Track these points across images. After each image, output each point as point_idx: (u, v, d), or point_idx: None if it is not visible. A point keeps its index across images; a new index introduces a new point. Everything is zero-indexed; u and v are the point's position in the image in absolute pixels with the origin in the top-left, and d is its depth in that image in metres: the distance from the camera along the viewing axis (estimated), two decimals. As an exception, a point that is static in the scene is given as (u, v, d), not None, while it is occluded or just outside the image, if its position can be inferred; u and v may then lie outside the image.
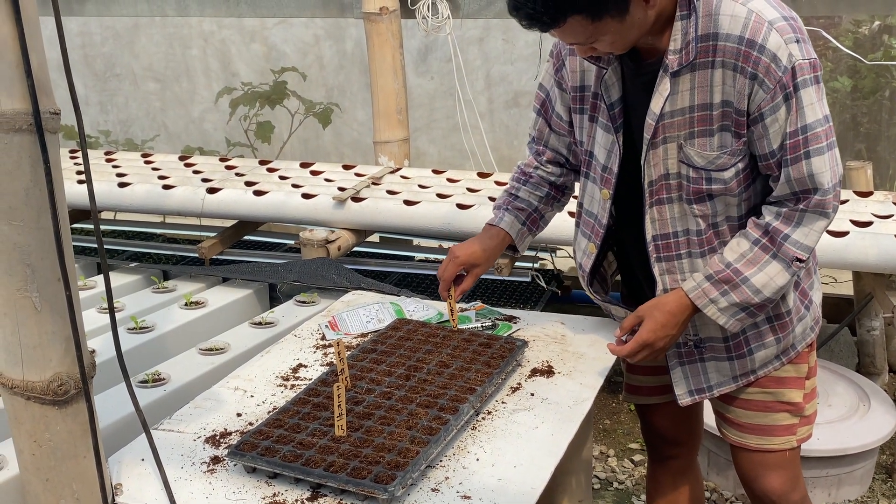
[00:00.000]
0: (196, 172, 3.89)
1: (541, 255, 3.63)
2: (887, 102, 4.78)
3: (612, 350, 1.85)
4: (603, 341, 2.05)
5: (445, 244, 4.05)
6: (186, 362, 2.27)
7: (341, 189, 3.49)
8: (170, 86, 5.86)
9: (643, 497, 2.98)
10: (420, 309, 2.28)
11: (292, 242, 3.92)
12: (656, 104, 1.70)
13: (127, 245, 3.94)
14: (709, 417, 2.16)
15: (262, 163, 4.07)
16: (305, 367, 1.99)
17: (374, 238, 3.84)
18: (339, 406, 1.59)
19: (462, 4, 4.02)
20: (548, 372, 1.93)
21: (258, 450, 1.55)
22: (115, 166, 4.03)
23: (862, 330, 3.45)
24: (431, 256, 3.82)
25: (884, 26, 4.73)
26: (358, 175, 3.78)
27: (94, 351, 2.19)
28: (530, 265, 3.51)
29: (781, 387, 1.89)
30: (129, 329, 2.49)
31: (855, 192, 3.27)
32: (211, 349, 2.33)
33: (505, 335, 2.08)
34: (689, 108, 1.69)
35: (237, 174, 3.82)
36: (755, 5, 1.61)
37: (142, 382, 2.12)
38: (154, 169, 3.98)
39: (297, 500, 1.48)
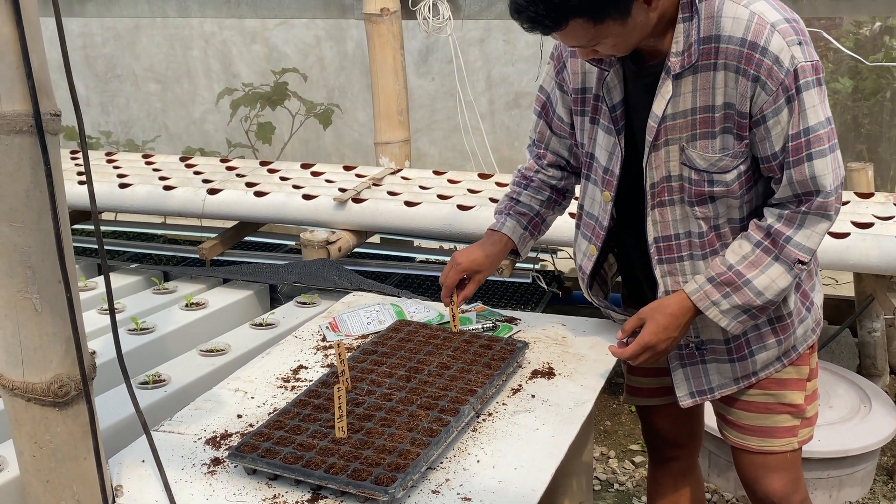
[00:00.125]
0: (197, 173, 3.89)
1: (541, 256, 3.62)
2: (888, 104, 4.78)
3: (614, 352, 1.85)
4: (604, 343, 2.04)
5: (446, 245, 4.05)
6: (187, 363, 2.27)
7: (342, 190, 3.49)
8: (171, 87, 5.87)
9: (644, 499, 2.97)
10: (421, 310, 2.27)
11: (293, 243, 3.92)
12: (658, 106, 1.70)
13: (127, 246, 3.94)
14: (710, 419, 2.16)
15: (262, 164, 4.07)
16: (306, 368, 1.98)
17: (375, 239, 3.84)
18: (339, 408, 1.59)
19: (463, 5, 4.02)
20: (548, 373, 1.92)
21: (258, 451, 1.55)
22: (115, 167, 4.03)
23: (863, 331, 3.45)
24: (432, 258, 3.82)
25: (885, 27, 4.73)
26: (359, 176, 3.78)
27: (94, 352, 2.19)
28: (531, 266, 3.51)
29: (783, 388, 1.89)
30: (129, 330, 2.49)
31: (856, 193, 3.26)
32: (211, 350, 2.33)
33: (506, 337, 2.08)
34: (691, 110, 1.69)
35: (238, 175, 3.82)
36: (757, 7, 1.60)
37: (142, 384, 2.12)
38: (155, 170, 3.98)
39: (297, 502, 1.48)
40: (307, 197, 3.43)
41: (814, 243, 1.70)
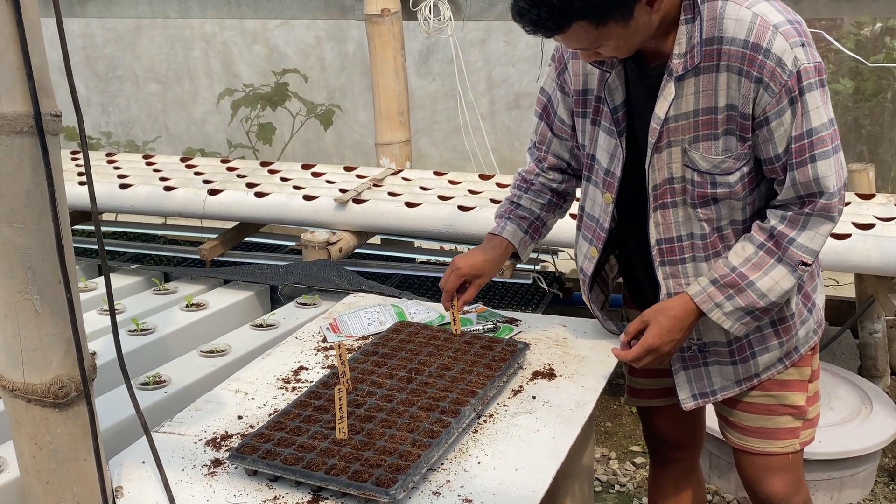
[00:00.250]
0: (197, 174, 3.89)
1: (542, 257, 3.62)
2: (889, 105, 4.78)
3: (617, 355, 1.85)
4: (604, 344, 2.04)
5: (447, 246, 4.05)
6: (187, 364, 2.26)
7: (343, 191, 3.48)
8: (171, 87, 5.87)
9: (644, 500, 2.97)
10: (421, 311, 2.27)
11: (293, 244, 3.91)
12: (661, 108, 1.69)
13: (128, 247, 3.94)
14: (711, 420, 2.15)
15: (263, 164, 4.07)
16: (306, 369, 1.98)
17: (376, 240, 3.84)
18: (340, 409, 1.59)
19: (463, 6, 4.02)
20: (549, 375, 1.92)
21: (259, 452, 1.55)
22: (116, 168, 4.03)
23: (864, 332, 3.44)
24: (433, 258, 3.82)
25: (885, 28, 4.72)
26: (359, 177, 3.78)
27: (94, 353, 2.19)
28: (531, 267, 3.51)
29: (784, 390, 1.89)
30: (129, 331, 2.49)
31: (857, 194, 3.26)
32: (212, 351, 2.33)
33: (506, 338, 2.08)
34: (693, 112, 1.68)
35: (238, 176, 3.82)
36: (760, 9, 1.60)
37: (142, 384, 2.12)
38: (155, 170, 3.98)
39: (297, 503, 1.48)
40: (308, 198, 3.43)
41: (817, 245, 1.70)
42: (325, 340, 2.14)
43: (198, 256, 3.51)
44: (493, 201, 3.28)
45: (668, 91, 1.68)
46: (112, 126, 6.05)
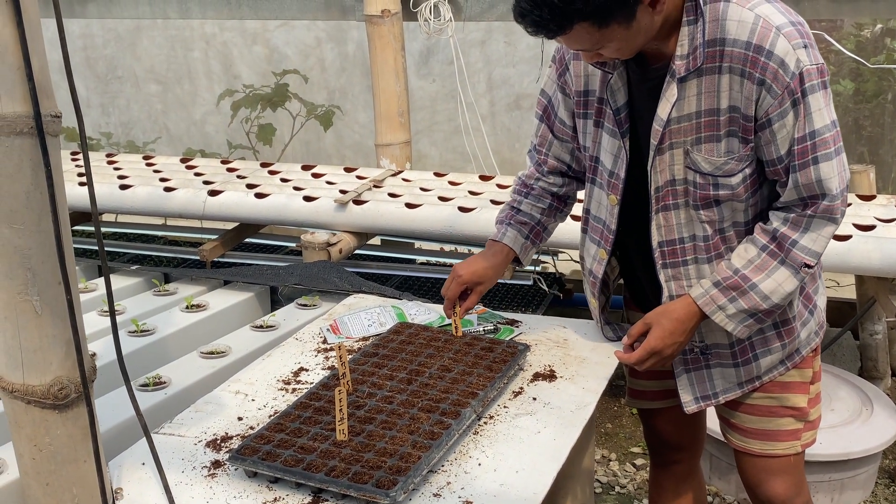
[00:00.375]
0: (197, 175, 3.88)
1: (542, 258, 3.62)
2: (890, 106, 4.78)
3: (620, 358, 1.84)
4: (605, 345, 2.04)
5: (447, 247, 4.04)
6: (187, 366, 2.26)
7: (343, 192, 3.48)
8: (171, 88, 5.87)
9: (645, 501, 2.97)
10: (422, 312, 2.27)
11: (293, 245, 3.91)
12: (663, 110, 1.69)
13: (128, 247, 3.93)
14: (712, 422, 2.15)
15: (263, 165, 4.07)
16: (307, 370, 1.98)
17: (376, 241, 3.84)
18: (340, 410, 1.59)
19: (464, 7, 4.01)
20: (550, 376, 1.92)
21: (259, 454, 1.55)
22: (116, 168, 4.03)
23: (864, 334, 3.44)
24: (433, 260, 3.82)
25: (886, 29, 4.72)
26: (359, 178, 3.77)
27: (94, 354, 2.19)
28: (532, 269, 3.51)
29: (786, 392, 1.89)
30: (129, 332, 2.48)
31: (858, 195, 3.26)
32: (212, 352, 2.32)
33: (507, 339, 2.07)
34: (695, 113, 1.68)
35: (238, 176, 3.82)
36: (762, 10, 1.60)
37: (142, 386, 2.12)
38: (155, 171, 3.98)
39: (298, 505, 1.48)
40: (308, 199, 3.42)
41: (820, 247, 1.69)
42: (325, 342, 2.14)
43: (198, 257, 3.51)
44: (494, 202, 3.28)
45: (670, 92, 1.68)
46: (112, 127, 6.05)
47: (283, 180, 3.74)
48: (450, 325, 2.07)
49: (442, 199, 3.37)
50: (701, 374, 1.89)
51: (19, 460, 1.44)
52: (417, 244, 4.02)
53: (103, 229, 4.14)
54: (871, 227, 2.89)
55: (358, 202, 3.37)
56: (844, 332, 3.47)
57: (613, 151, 1.83)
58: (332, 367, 1.98)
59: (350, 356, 1.97)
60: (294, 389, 1.89)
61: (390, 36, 3.93)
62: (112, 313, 1.47)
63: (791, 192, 1.67)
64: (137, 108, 5.99)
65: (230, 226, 3.68)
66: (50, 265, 1.31)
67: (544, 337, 2.12)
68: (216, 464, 1.60)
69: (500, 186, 3.56)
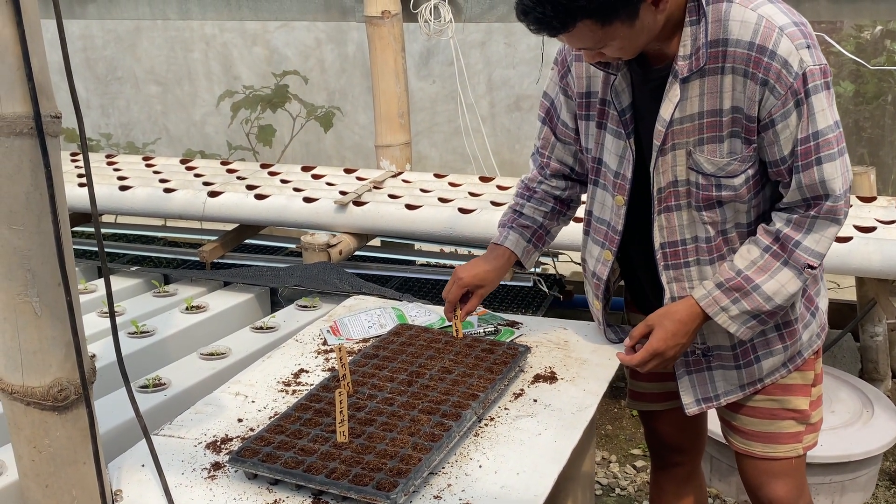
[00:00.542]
0: (197, 176, 3.88)
1: (543, 259, 3.62)
2: (890, 107, 4.78)
3: (622, 359, 1.84)
4: (606, 347, 2.04)
5: (447, 248, 4.04)
6: (187, 367, 2.25)
7: (343, 193, 3.48)
8: (171, 89, 5.86)
9: (645, 503, 2.96)
10: (422, 314, 2.26)
11: (293, 246, 3.91)
12: (666, 110, 1.69)
13: (128, 248, 3.93)
14: (713, 424, 2.14)
15: (263, 166, 4.06)
16: (307, 372, 1.98)
17: (376, 242, 3.83)
18: (340, 412, 1.58)
19: (464, 8, 4.01)
20: (551, 378, 1.91)
21: (259, 456, 1.54)
22: (116, 169, 4.03)
23: (865, 336, 3.44)
24: (433, 261, 3.81)
25: (885, 31, 4.72)
26: (359, 179, 3.77)
27: (94, 355, 2.18)
28: (532, 270, 3.50)
29: (787, 394, 1.88)
30: (129, 333, 2.48)
31: (858, 197, 3.26)
32: (212, 354, 2.32)
33: (507, 341, 2.07)
34: (698, 114, 1.68)
35: (238, 178, 3.81)
36: (765, 11, 1.59)
37: (142, 387, 2.11)
38: (155, 172, 3.98)
39: (298, 507, 1.47)
40: (308, 200, 3.42)
41: (823, 248, 1.69)
42: (325, 343, 2.13)
43: (198, 258, 3.51)
44: (494, 204, 3.28)
45: (672, 93, 1.67)
46: (112, 128, 6.05)
47: (283, 181, 3.74)
48: (450, 326, 2.07)
49: (442, 200, 3.37)
50: (702, 375, 1.88)
51: (18, 462, 1.44)
52: (417, 245, 4.02)
53: (103, 230, 4.13)
54: (871, 229, 2.89)
55: (358, 203, 3.37)
56: (845, 334, 3.47)
57: (618, 152, 1.82)
58: (332, 369, 1.98)
59: (350, 358, 1.97)
60: (294, 391, 1.88)
61: (390, 37, 3.93)
62: (112, 314, 1.47)
63: (794, 192, 1.67)
64: (137, 108, 5.99)
65: (230, 227, 3.68)
66: (49, 266, 1.31)
67: (545, 338, 2.12)
68: (216, 465, 1.60)
69: (500, 188, 3.56)
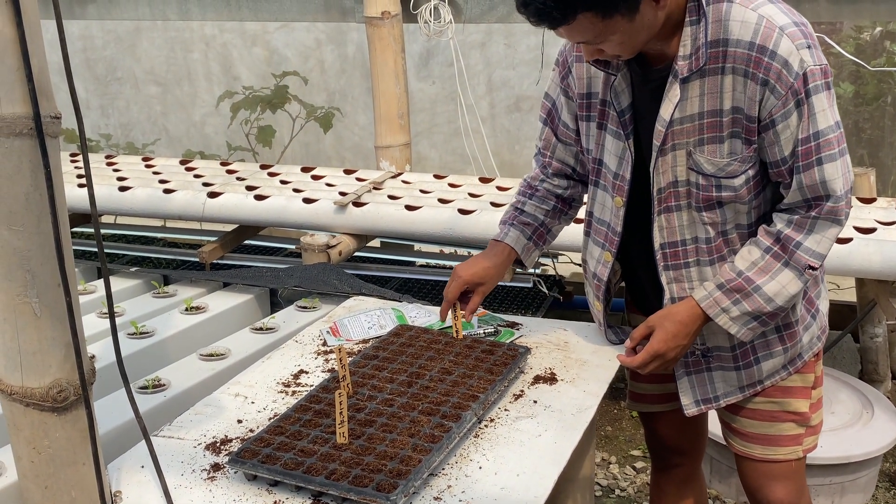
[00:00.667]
0: (197, 176, 3.88)
1: (542, 260, 3.62)
2: (890, 109, 4.78)
3: (623, 361, 1.83)
4: (606, 348, 2.04)
5: (447, 249, 4.04)
6: (187, 368, 2.25)
7: (342, 194, 3.48)
8: (171, 89, 5.86)
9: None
10: (422, 315, 2.26)
11: (293, 247, 3.91)
12: (666, 110, 1.68)
13: (127, 249, 3.93)
14: (713, 425, 2.14)
15: (263, 167, 4.06)
16: (307, 373, 1.97)
17: (376, 243, 3.83)
18: (340, 413, 1.58)
19: (464, 9, 4.01)
20: (551, 379, 1.91)
21: (259, 457, 1.54)
22: (115, 170, 4.03)
23: (865, 337, 3.44)
24: (433, 262, 3.81)
25: (885, 32, 4.72)
26: (359, 180, 3.77)
27: (93, 356, 2.18)
28: (532, 271, 3.50)
29: (788, 396, 1.88)
30: (129, 334, 2.48)
31: (858, 198, 3.26)
32: (211, 355, 2.32)
33: (507, 342, 2.07)
34: (698, 114, 1.67)
35: (238, 178, 3.81)
36: (766, 11, 1.59)
37: (142, 388, 2.11)
38: (155, 173, 3.97)
39: (298, 509, 1.47)
40: (307, 200, 3.42)
41: (824, 248, 1.69)
42: (325, 344, 2.13)
43: (197, 259, 3.50)
44: (494, 205, 3.28)
45: (672, 93, 1.67)
46: (111, 128, 6.04)
47: (283, 182, 3.74)
48: (450, 327, 2.07)
49: (442, 201, 3.37)
50: (702, 376, 1.88)
51: (18, 463, 1.44)
52: (417, 246, 4.02)
53: (102, 231, 4.13)
54: (871, 230, 2.89)
55: (358, 204, 3.37)
56: (845, 335, 3.47)
57: (618, 153, 1.82)
58: (332, 370, 1.98)
59: (350, 358, 1.96)
60: (294, 392, 1.88)
61: (390, 38, 3.93)
62: (111, 315, 1.47)
63: (795, 193, 1.66)
64: (137, 109, 5.98)
65: (230, 228, 3.67)
66: (49, 267, 1.31)
67: (545, 339, 2.11)
68: (215, 467, 1.60)
69: (499, 189, 3.56)
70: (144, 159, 4.30)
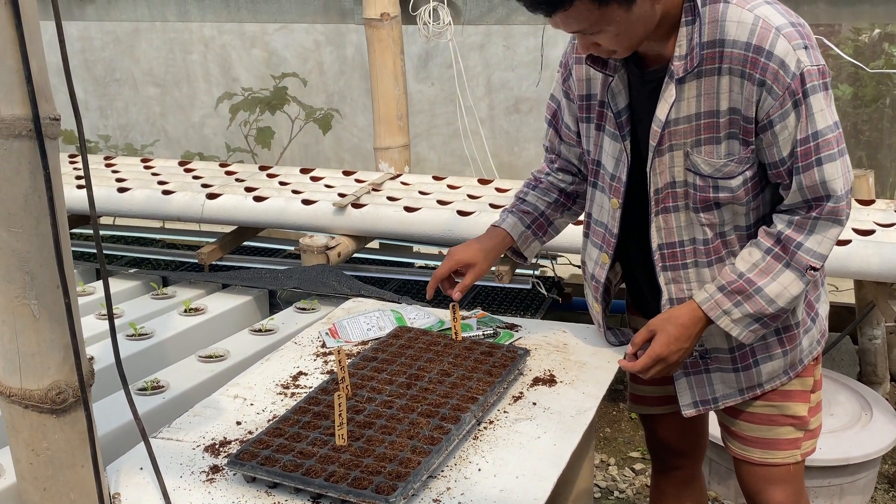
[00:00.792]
0: (196, 178, 3.88)
1: (541, 262, 3.62)
2: (888, 110, 4.78)
3: (624, 366, 1.82)
4: (605, 350, 2.03)
5: (446, 251, 4.04)
6: (186, 370, 2.25)
7: (341, 195, 3.48)
8: (170, 91, 5.86)
9: (644, 506, 2.96)
10: (421, 317, 2.26)
11: (292, 248, 3.91)
12: (662, 111, 1.68)
13: (126, 251, 3.93)
14: (713, 428, 2.14)
15: (262, 168, 4.06)
16: (306, 374, 1.97)
17: (374, 244, 3.83)
18: (339, 415, 1.58)
19: (463, 10, 4.01)
20: (550, 381, 1.91)
21: (258, 459, 1.54)
22: (114, 171, 4.03)
23: (863, 338, 3.44)
24: (432, 263, 3.81)
25: (884, 34, 4.73)
26: (358, 181, 3.77)
27: (92, 358, 2.18)
28: (531, 272, 3.50)
29: (787, 400, 1.88)
30: (127, 336, 2.47)
31: (857, 200, 3.26)
32: (210, 356, 2.31)
33: (507, 344, 2.07)
34: (695, 115, 1.67)
35: (237, 180, 3.81)
36: (762, 11, 1.59)
37: (140, 390, 2.11)
38: (154, 174, 3.97)
39: (297, 511, 1.47)
40: (306, 202, 3.42)
41: (825, 249, 1.68)
42: (324, 346, 2.13)
43: (196, 261, 3.50)
44: (493, 206, 3.28)
45: (668, 93, 1.67)
46: (110, 129, 6.04)
47: (282, 183, 3.74)
48: (449, 329, 2.07)
49: (441, 202, 3.37)
50: (700, 378, 1.88)
51: (16, 465, 1.43)
52: (416, 248, 4.02)
53: (101, 232, 4.13)
54: (870, 232, 2.89)
55: (356, 206, 3.37)
56: (843, 337, 3.47)
57: (615, 154, 1.82)
58: (331, 372, 1.98)
59: (349, 360, 1.96)
60: (293, 394, 1.88)
61: (389, 39, 3.93)
62: (110, 317, 1.47)
63: (795, 194, 1.66)
64: (136, 110, 5.98)
65: (228, 229, 3.67)
66: (48, 269, 1.30)
67: (544, 341, 2.11)
68: (214, 469, 1.59)
69: (498, 190, 3.56)
70: (143, 160, 4.30)
